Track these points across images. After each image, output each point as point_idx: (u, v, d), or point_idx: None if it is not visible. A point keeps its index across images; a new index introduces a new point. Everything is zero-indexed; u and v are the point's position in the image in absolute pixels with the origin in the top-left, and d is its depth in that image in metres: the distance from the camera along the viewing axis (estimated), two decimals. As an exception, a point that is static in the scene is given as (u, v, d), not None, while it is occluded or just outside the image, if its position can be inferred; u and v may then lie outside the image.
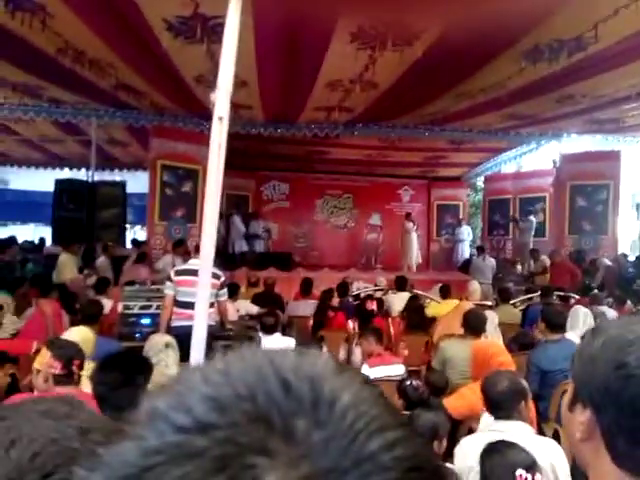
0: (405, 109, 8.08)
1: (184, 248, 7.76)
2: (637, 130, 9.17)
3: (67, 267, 7.62)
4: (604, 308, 6.02)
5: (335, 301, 6.50)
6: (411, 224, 12.02)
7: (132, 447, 0.29)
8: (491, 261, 10.41)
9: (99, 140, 9.79)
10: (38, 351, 2.64)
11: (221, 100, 2.61)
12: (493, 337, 4.63)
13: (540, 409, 3.41)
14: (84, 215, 9.44)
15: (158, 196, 9.04)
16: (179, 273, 4.64)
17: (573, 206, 10.31)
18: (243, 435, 0.28)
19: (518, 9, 4.51)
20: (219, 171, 2.59)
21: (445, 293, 6.68)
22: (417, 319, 5.83)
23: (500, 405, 2.35)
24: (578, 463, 0.83)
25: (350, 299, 7.11)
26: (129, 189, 10.87)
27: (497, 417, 2.36)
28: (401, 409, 2.81)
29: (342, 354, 4.88)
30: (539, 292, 7.14)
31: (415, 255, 11.98)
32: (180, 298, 4.50)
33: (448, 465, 2.16)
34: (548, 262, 9.21)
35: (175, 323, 4.46)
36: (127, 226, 12.12)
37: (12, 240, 10.36)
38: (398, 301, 6.62)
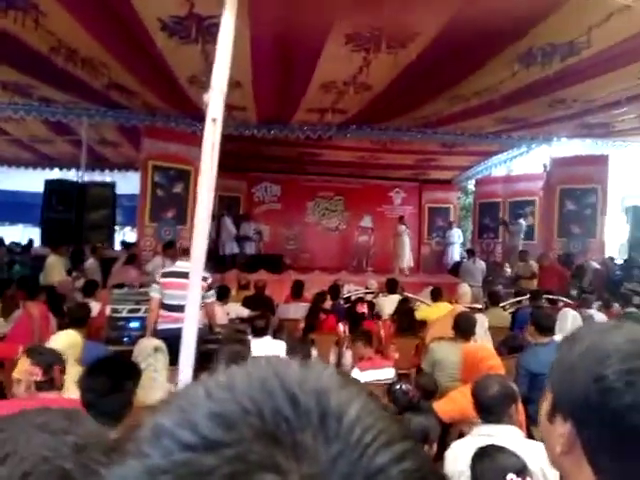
0: (399, 111, 8.09)
1: (174, 250, 7.69)
2: (626, 135, 9.25)
3: (55, 269, 7.53)
4: (592, 311, 6.08)
5: (327, 304, 6.49)
6: (404, 227, 12.08)
7: (136, 465, 0.28)
8: (481, 264, 10.43)
9: (90, 140, 9.70)
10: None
11: (215, 101, 2.60)
12: (483, 340, 4.64)
13: (529, 412, 3.41)
14: (73, 216, 9.31)
15: (149, 197, 8.95)
16: (165, 275, 4.61)
17: (562, 210, 10.35)
18: (252, 452, 0.27)
19: (513, 13, 4.54)
20: (212, 172, 2.58)
21: (436, 296, 6.68)
22: (407, 322, 5.84)
23: (491, 409, 2.36)
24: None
25: (341, 302, 7.11)
26: (119, 190, 10.80)
27: (488, 421, 2.36)
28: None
29: (332, 357, 4.87)
30: (528, 295, 7.18)
31: (407, 258, 12.03)
32: (166, 301, 4.46)
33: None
34: (536, 267, 9.25)
35: (161, 326, 4.40)
36: (116, 227, 12.03)
37: (-1, 241, 10.29)
38: (389, 304, 6.62)
